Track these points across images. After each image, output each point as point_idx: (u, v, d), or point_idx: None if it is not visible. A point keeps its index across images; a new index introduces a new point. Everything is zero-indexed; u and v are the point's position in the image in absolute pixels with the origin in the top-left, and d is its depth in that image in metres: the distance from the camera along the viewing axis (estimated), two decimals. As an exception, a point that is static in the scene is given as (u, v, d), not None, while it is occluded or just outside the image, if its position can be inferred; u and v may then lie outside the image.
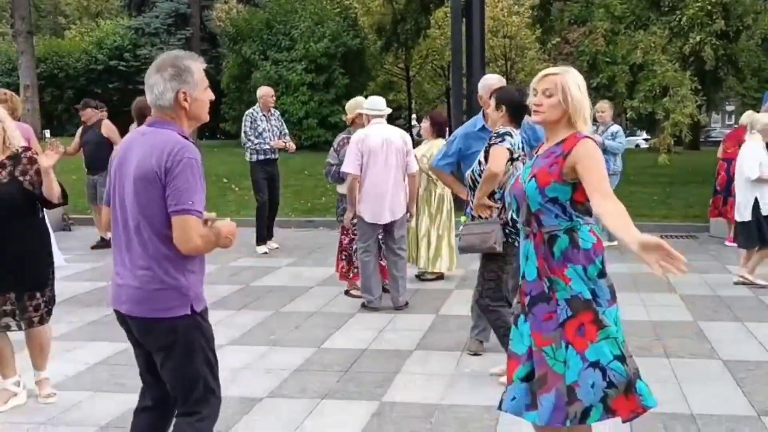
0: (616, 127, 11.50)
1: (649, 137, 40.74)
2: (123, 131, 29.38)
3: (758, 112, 10.02)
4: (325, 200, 15.66)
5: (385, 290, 8.18)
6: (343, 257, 8.54)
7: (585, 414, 3.64)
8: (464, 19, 16.54)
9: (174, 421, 3.62)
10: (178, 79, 3.41)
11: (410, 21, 28.17)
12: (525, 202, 3.81)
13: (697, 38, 14.94)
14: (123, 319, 3.56)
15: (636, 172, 19.36)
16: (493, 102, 5.78)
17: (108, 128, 11.53)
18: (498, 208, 5.63)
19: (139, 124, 8.62)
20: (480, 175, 5.67)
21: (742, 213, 8.98)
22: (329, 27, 27.69)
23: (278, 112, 11.77)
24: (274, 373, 6.06)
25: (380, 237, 8.09)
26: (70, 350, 6.73)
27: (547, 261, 3.75)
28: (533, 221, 3.79)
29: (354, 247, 8.31)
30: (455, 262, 9.43)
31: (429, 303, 8.26)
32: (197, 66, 3.49)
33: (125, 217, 3.45)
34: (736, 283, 9.06)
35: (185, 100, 3.43)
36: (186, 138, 3.44)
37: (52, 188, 5.19)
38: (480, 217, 5.69)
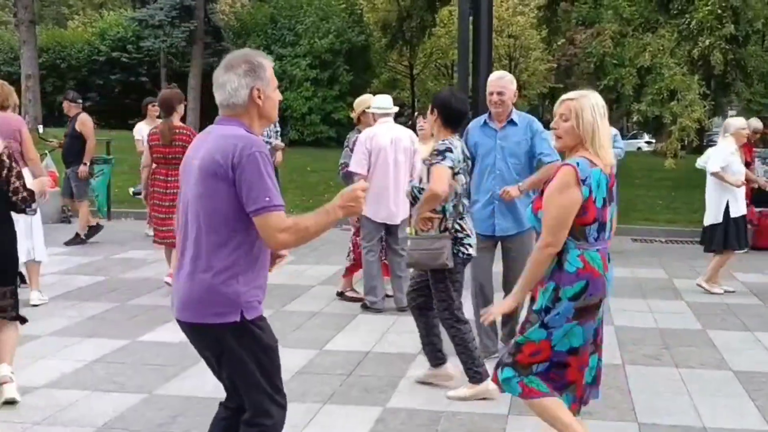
0: (613, 131, 11.41)
1: (651, 140, 40.65)
2: (124, 123, 29.26)
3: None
4: (328, 197, 15.39)
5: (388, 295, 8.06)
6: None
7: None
8: (471, 18, 16.39)
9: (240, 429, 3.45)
10: (252, 75, 3.29)
11: (416, 18, 28.02)
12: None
13: (707, 42, 14.80)
14: (181, 324, 3.42)
15: (641, 175, 19.24)
16: (430, 107, 5.56)
17: (81, 122, 11.29)
18: (439, 219, 5.41)
19: (167, 116, 8.44)
20: (420, 192, 5.45)
21: (715, 215, 8.91)
22: (334, 23, 27.57)
23: None
24: (275, 374, 5.92)
25: (383, 237, 7.97)
26: (68, 346, 6.60)
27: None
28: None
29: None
30: None
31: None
32: (269, 63, 3.37)
33: (187, 219, 3.32)
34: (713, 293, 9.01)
35: (259, 97, 3.30)
36: (251, 133, 3.29)
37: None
38: (422, 230, 5.47)
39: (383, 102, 8.00)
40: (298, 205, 15.37)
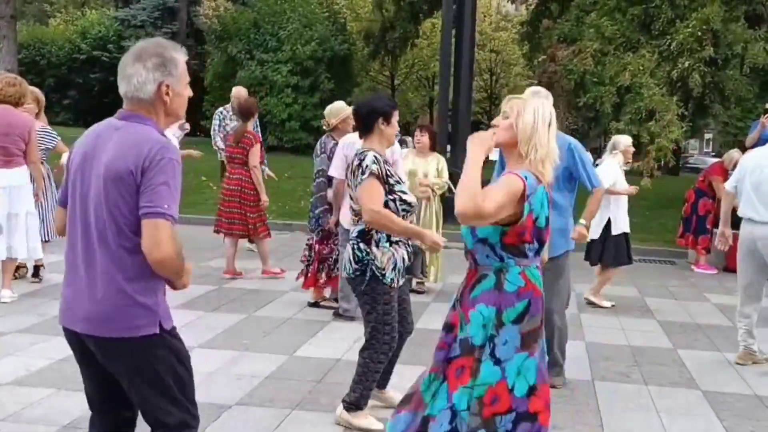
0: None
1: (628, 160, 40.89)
2: (102, 120, 29.44)
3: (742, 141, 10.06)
4: (304, 204, 15.48)
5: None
6: (320, 267, 8.26)
7: None
8: (454, 30, 16.47)
9: None
10: (162, 70, 3.09)
11: (399, 29, 28.13)
12: (463, 240, 3.82)
13: (686, 64, 14.91)
14: (76, 338, 3.15)
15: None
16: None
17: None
18: None
19: (244, 121, 9.49)
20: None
21: (596, 231, 9.00)
22: (317, 30, 27.57)
23: None
24: (244, 379, 5.88)
25: None
26: (36, 343, 6.53)
27: (465, 297, 3.77)
28: (470, 259, 3.81)
29: (334, 256, 8.10)
30: (439, 276, 9.36)
31: (406, 315, 8.10)
32: (182, 58, 3.18)
33: (87, 223, 3.05)
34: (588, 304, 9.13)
35: (167, 93, 3.11)
36: (164, 136, 3.10)
37: None
38: None
39: None
40: (274, 210, 15.31)
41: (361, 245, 4.87)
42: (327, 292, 8.42)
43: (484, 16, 42.71)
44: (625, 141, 9.36)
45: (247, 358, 6.46)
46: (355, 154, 5.03)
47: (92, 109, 34.81)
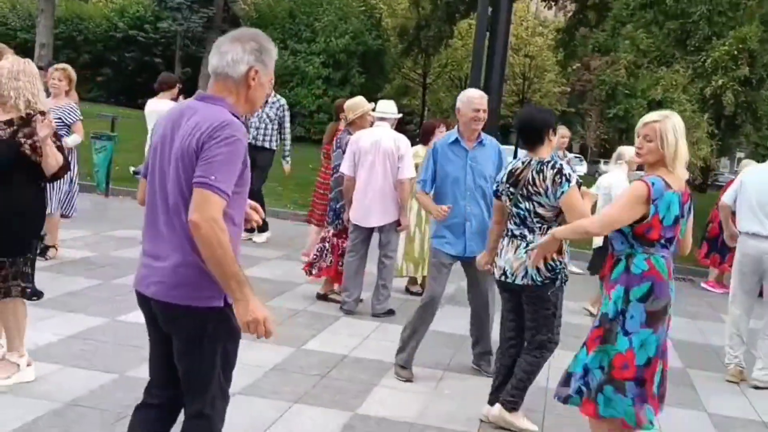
0: (571, 154, 11.56)
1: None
2: (133, 101, 29.31)
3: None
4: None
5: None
6: (340, 260, 8.25)
7: (566, 399, 4.51)
8: (488, 33, 16.39)
9: (183, 423, 3.35)
10: (256, 55, 3.19)
11: (434, 28, 28.05)
12: None
13: (720, 82, 14.77)
14: (146, 302, 3.28)
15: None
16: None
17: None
18: None
19: (337, 120, 9.42)
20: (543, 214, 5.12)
21: (598, 240, 8.94)
22: (352, 24, 27.60)
23: (282, 101, 11.18)
24: (250, 369, 5.87)
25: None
26: (44, 319, 6.54)
27: (606, 279, 4.49)
28: (610, 245, 4.49)
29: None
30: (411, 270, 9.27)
31: (417, 316, 8.07)
32: (275, 53, 3.30)
33: (165, 195, 3.16)
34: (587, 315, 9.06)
35: (253, 78, 3.20)
36: (236, 116, 3.15)
37: (48, 160, 4.96)
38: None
39: (385, 107, 8.00)
40: (296, 200, 15.37)
41: (554, 254, 5.00)
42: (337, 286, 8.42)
43: (521, 21, 42.58)
44: (629, 152, 9.28)
45: (254, 348, 6.41)
46: (541, 165, 5.10)
47: (125, 88, 35.09)
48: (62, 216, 8.81)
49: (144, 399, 3.48)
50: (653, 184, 4.25)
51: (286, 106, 11.17)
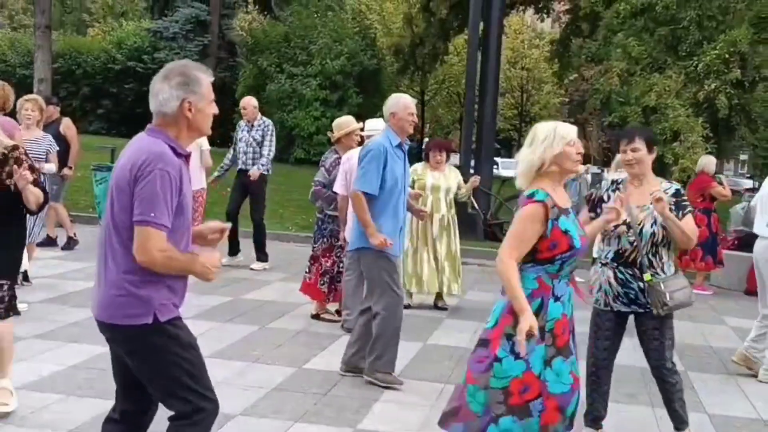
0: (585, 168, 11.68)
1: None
2: (134, 131, 29.97)
3: None
4: (327, 218, 15.55)
5: None
6: (324, 280, 8.36)
7: None
8: (481, 49, 16.55)
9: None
10: (184, 88, 3.37)
11: (428, 45, 28.25)
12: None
13: (712, 85, 14.88)
14: (99, 324, 3.51)
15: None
16: (643, 144, 5.14)
17: (66, 126, 11.15)
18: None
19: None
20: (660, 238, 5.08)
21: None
22: (347, 45, 27.75)
23: (267, 122, 11.17)
24: (251, 390, 5.96)
25: None
26: (50, 349, 6.65)
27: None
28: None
29: (335, 269, 8.22)
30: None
31: (417, 331, 8.13)
32: (206, 78, 3.45)
33: (106, 223, 3.42)
34: None
35: (189, 110, 3.39)
36: (173, 148, 3.35)
37: (29, 204, 5.12)
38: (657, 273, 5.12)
39: (374, 124, 8.09)
40: (297, 223, 15.48)
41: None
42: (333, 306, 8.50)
43: (517, 34, 42.78)
44: None
45: (255, 369, 6.54)
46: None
47: (125, 119, 35.27)
48: (65, 247, 8.89)
49: (109, 414, 3.69)
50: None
51: (272, 127, 11.20)
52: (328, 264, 8.28)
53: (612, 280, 5.16)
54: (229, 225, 3.79)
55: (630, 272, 5.11)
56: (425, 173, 9.19)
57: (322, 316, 8.41)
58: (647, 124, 15.78)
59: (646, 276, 5.04)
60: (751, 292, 11.52)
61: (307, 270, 8.49)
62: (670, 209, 4.95)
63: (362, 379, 6.39)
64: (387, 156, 6.12)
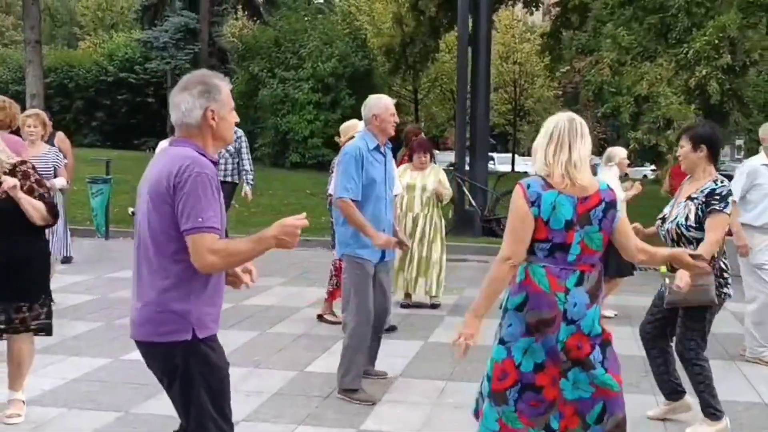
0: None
1: (656, 168, 40.67)
2: (129, 142, 29.46)
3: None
4: (325, 220, 15.52)
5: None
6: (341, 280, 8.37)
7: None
8: (471, 46, 16.57)
9: None
10: (206, 97, 3.33)
11: (419, 44, 28.23)
12: None
13: (703, 72, 14.87)
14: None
15: (640, 203, 19.29)
16: (688, 142, 5.39)
17: (61, 140, 11.01)
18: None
19: (407, 148, 9.84)
20: (688, 230, 5.31)
21: None
22: (338, 47, 27.70)
23: (239, 132, 10.67)
24: (253, 395, 5.97)
25: None
26: (52, 363, 6.67)
27: None
28: None
29: None
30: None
31: (418, 329, 8.15)
32: (225, 85, 3.42)
33: (140, 237, 3.35)
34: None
35: (213, 118, 3.35)
36: (203, 154, 3.32)
37: (29, 212, 5.10)
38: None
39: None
40: (295, 227, 15.45)
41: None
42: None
43: (508, 28, 42.75)
44: (620, 153, 9.38)
45: (257, 374, 6.55)
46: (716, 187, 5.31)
47: (119, 131, 35.27)
48: (64, 261, 8.90)
49: None
50: (528, 186, 3.96)
51: (244, 138, 11.14)
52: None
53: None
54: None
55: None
56: (405, 173, 9.19)
57: (325, 316, 8.41)
58: (640, 113, 15.79)
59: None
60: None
61: (330, 278, 8.45)
62: (700, 207, 5.25)
63: (364, 380, 6.38)
64: (363, 160, 5.92)
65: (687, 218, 5.29)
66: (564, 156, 3.96)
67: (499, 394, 4.01)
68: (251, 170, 11.09)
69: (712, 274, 5.23)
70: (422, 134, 10.89)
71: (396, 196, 7.78)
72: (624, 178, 9.72)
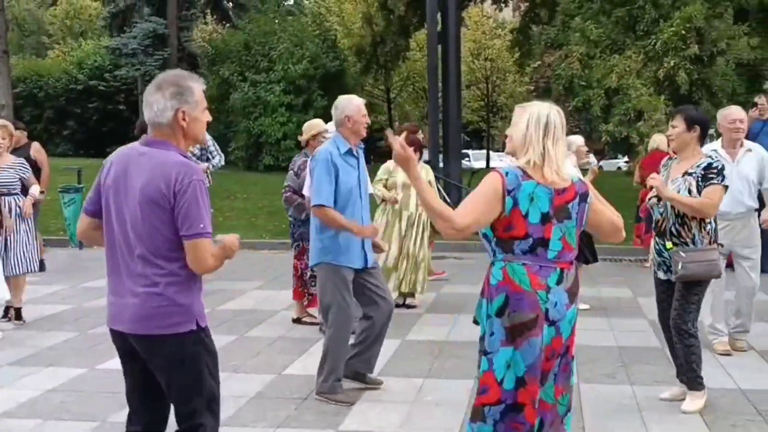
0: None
1: (628, 160, 40.94)
2: (101, 151, 29.18)
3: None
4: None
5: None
6: (301, 283, 8.38)
7: None
8: (441, 45, 16.62)
9: None
10: (178, 98, 3.45)
11: (390, 43, 28.30)
12: None
13: (672, 62, 15.01)
14: (122, 337, 3.56)
15: (612, 195, 19.41)
16: (682, 122, 5.66)
17: (37, 150, 10.84)
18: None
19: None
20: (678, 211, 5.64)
21: None
22: (308, 49, 27.66)
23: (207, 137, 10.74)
24: (231, 399, 5.92)
25: None
26: (26, 375, 6.60)
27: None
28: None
29: (309, 272, 8.18)
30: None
31: (395, 328, 8.11)
32: (198, 86, 3.53)
33: (126, 237, 3.45)
34: None
35: (184, 119, 3.46)
36: (186, 158, 3.47)
37: None
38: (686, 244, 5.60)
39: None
40: (270, 230, 15.46)
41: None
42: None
43: (478, 25, 42.86)
44: (576, 141, 9.43)
45: (235, 378, 6.52)
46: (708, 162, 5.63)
47: (90, 139, 35.01)
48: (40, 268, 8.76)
49: (126, 428, 3.69)
50: (506, 174, 3.73)
51: (211, 141, 10.93)
52: (302, 266, 8.25)
53: (653, 250, 5.86)
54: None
55: (662, 241, 5.71)
56: (397, 171, 9.15)
57: (303, 319, 8.40)
58: (611, 105, 15.90)
59: (668, 244, 5.61)
60: (729, 264, 11.62)
61: (293, 276, 8.48)
62: (698, 180, 5.54)
63: (343, 382, 6.39)
64: (336, 165, 5.80)
65: (689, 191, 5.57)
66: (559, 148, 3.81)
67: (476, 410, 3.80)
68: (220, 158, 10.65)
69: (716, 249, 5.62)
70: (419, 131, 10.87)
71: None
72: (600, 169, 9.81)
